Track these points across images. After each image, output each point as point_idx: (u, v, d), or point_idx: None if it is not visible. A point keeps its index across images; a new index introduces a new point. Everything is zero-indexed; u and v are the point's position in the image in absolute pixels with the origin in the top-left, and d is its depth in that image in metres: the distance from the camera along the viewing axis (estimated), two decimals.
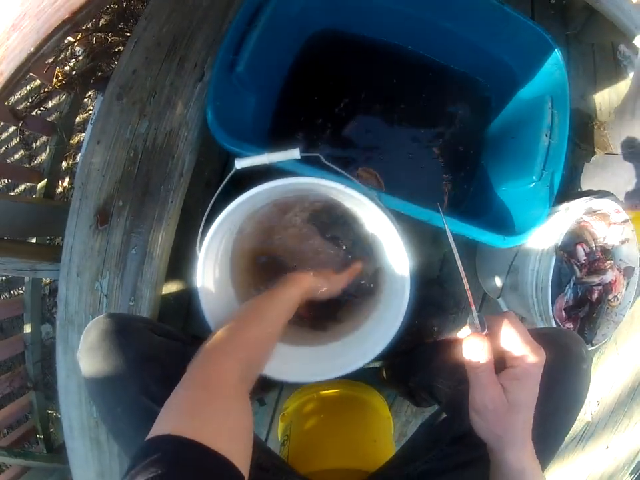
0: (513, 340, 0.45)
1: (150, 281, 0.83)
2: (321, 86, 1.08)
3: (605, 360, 1.24)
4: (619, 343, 1.23)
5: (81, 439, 0.90)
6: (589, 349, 0.96)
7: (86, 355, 0.57)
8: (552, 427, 0.57)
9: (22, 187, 1.58)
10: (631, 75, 1.37)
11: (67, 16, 0.49)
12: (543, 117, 0.89)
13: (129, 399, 0.55)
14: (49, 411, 1.42)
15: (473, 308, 0.48)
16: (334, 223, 0.81)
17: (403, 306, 0.63)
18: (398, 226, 0.63)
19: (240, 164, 0.60)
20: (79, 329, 0.87)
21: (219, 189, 0.61)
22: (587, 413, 1.21)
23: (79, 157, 1.51)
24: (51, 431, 1.40)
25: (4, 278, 1.62)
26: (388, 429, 1.00)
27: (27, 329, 1.31)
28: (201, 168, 0.86)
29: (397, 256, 0.64)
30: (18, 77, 0.52)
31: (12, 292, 1.60)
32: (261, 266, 0.82)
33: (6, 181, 1.62)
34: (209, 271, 0.66)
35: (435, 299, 1.13)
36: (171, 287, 1.11)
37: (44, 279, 1.48)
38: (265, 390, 1.12)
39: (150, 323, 0.62)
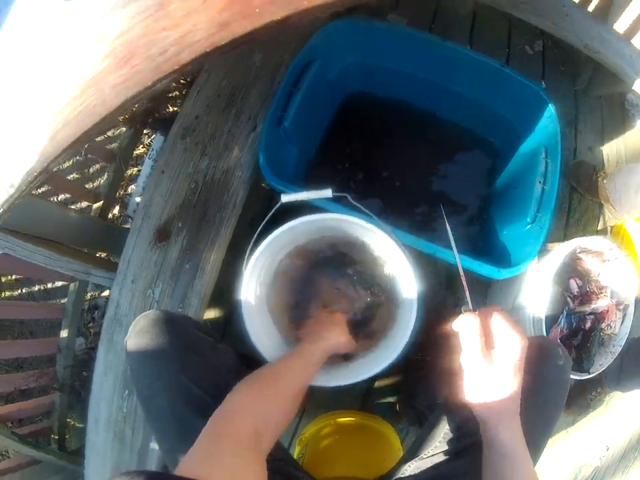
0: (502, 323, 0.53)
1: (199, 292, 1.00)
2: (352, 140, 1.32)
3: (613, 404, 1.28)
4: None
5: (104, 433, 1.00)
6: (586, 377, 1.07)
7: (135, 337, 0.64)
8: (536, 416, 0.63)
9: (77, 206, 1.74)
10: (639, 122, 1.52)
11: (175, 67, 0.59)
12: (537, 166, 1.04)
13: (170, 375, 0.62)
14: (68, 420, 1.49)
15: (467, 292, 0.58)
16: (356, 264, 0.96)
17: (406, 336, 0.77)
18: (411, 259, 0.79)
19: (285, 198, 0.80)
20: (126, 329, 0.97)
21: (266, 219, 0.80)
22: (596, 457, 1.25)
23: (131, 188, 1.71)
24: (66, 436, 1.47)
25: (43, 288, 1.76)
26: (398, 458, 1.11)
27: (64, 334, 1.38)
28: (248, 203, 1.07)
29: (408, 290, 0.80)
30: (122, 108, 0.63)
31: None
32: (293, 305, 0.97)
33: (64, 196, 1.78)
34: (252, 287, 0.82)
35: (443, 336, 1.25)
36: (209, 314, 1.26)
37: (87, 294, 1.61)
38: None
39: (193, 321, 0.72)
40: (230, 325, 1.25)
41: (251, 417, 0.57)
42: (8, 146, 0.69)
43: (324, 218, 0.79)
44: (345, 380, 0.81)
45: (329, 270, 0.97)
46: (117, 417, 0.99)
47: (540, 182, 1.03)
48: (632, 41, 1.31)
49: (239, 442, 0.52)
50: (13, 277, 1.83)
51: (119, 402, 1.00)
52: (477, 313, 0.55)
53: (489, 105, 1.20)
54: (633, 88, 1.28)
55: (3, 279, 1.85)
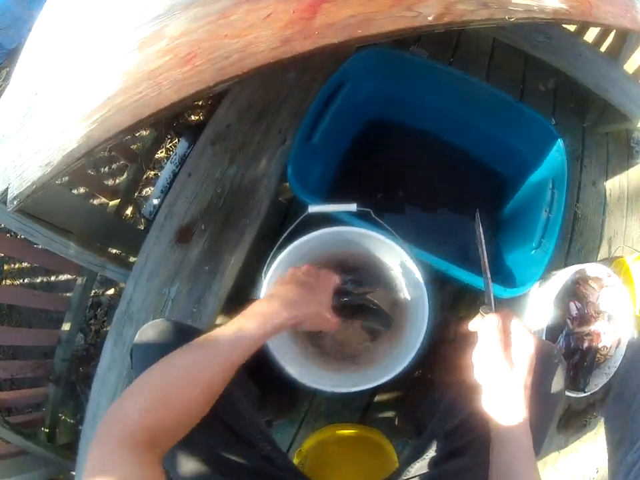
0: (519, 325, 0.61)
1: (217, 293, 1.06)
2: (371, 161, 1.42)
3: (604, 428, 1.31)
4: None
5: None
6: (582, 395, 1.14)
7: (141, 348, 0.66)
8: (537, 410, 0.65)
9: (93, 201, 1.79)
10: None
11: (239, 72, 0.65)
12: (544, 196, 1.12)
13: None
14: (60, 415, 1.50)
15: (491, 294, 0.65)
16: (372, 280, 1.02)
17: (418, 341, 0.83)
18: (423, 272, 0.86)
19: (312, 209, 0.87)
20: (136, 324, 1.04)
21: (292, 226, 0.87)
22: (586, 479, 1.28)
23: (145, 191, 1.78)
24: (56, 430, 1.47)
25: (45, 280, 1.80)
26: None
27: (66, 327, 1.40)
28: (270, 212, 1.14)
29: (419, 308, 0.86)
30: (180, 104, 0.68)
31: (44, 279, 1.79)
32: None
33: (82, 190, 1.81)
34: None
35: (448, 355, 1.25)
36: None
37: (93, 290, 1.65)
38: (278, 414, 1.18)
39: (200, 332, 0.71)
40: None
41: (145, 422, 0.52)
42: (50, 124, 0.75)
43: (346, 230, 0.87)
44: (350, 387, 0.85)
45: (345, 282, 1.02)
46: None
47: (546, 210, 1.12)
48: None
49: (132, 449, 0.50)
50: (16, 265, 1.88)
51: None
52: (497, 314, 0.62)
53: (502, 137, 1.30)
54: (638, 126, 1.38)
55: (6, 267, 1.89)
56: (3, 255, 1.74)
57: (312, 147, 1.12)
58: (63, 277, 1.77)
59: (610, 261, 1.46)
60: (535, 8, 0.78)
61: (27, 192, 0.72)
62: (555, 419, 0.74)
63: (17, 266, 1.87)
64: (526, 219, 1.20)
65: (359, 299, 0.92)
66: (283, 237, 0.88)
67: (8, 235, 1.51)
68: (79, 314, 1.44)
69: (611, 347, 1.21)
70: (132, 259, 1.33)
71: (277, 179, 1.13)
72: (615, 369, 1.17)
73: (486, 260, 0.72)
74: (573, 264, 1.26)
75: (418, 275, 0.86)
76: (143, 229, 1.62)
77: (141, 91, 0.69)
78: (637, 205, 1.58)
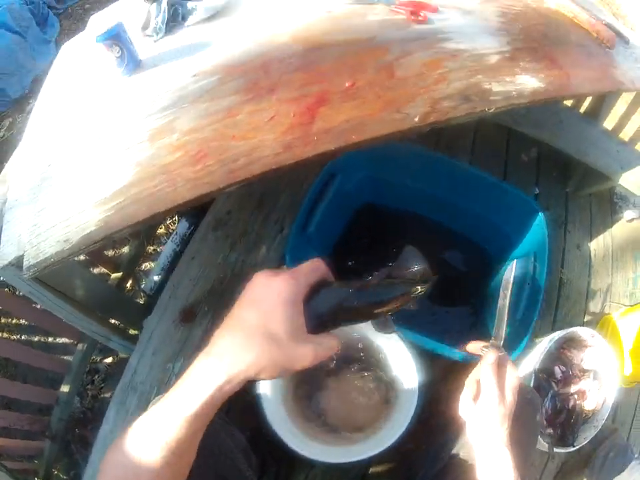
0: (507, 361, 0.70)
1: None
2: (364, 243, 1.51)
3: None
4: None
5: None
6: (571, 449, 1.19)
7: None
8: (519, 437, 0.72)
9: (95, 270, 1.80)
10: (626, 214, 1.68)
11: (247, 176, 0.72)
12: (527, 270, 1.19)
13: None
14: (54, 470, 1.49)
15: (504, 327, 0.75)
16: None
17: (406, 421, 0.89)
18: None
19: None
20: (140, 395, 1.10)
21: None
22: None
23: (144, 265, 1.82)
24: None
25: (43, 340, 1.82)
26: None
27: (64, 389, 1.45)
28: None
29: (409, 386, 0.93)
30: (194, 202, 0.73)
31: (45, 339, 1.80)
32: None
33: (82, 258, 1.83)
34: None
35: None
36: None
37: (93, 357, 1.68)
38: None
39: None
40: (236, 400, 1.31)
41: None
42: (67, 202, 0.81)
43: None
44: (339, 458, 0.89)
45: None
46: None
47: (528, 283, 1.19)
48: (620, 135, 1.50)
49: None
50: (13, 320, 1.89)
51: None
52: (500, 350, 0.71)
53: (487, 216, 1.38)
54: (619, 183, 1.45)
55: (3, 320, 1.90)
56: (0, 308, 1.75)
57: (308, 236, 1.21)
58: (60, 340, 1.79)
59: (597, 319, 1.51)
60: (514, 94, 0.87)
61: (44, 264, 0.77)
62: (534, 447, 0.84)
63: (14, 321, 1.89)
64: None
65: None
66: None
67: (7, 289, 1.55)
68: (78, 378, 1.49)
69: (597, 402, 1.25)
70: (131, 332, 1.38)
71: (276, 265, 1.23)
72: (603, 421, 1.21)
73: (507, 302, 0.80)
74: (560, 329, 1.30)
75: (408, 354, 0.92)
76: (142, 302, 1.67)
77: (156, 184, 0.76)
78: (622, 261, 1.64)
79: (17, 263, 0.83)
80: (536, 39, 1.02)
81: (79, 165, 0.86)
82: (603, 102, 1.48)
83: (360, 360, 1.05)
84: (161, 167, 0.78)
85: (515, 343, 1.12)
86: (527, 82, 0.90)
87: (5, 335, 1.86)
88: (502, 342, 0.74)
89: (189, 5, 1.05)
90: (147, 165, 0.79)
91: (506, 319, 0.76)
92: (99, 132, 0.90)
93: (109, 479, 0.47)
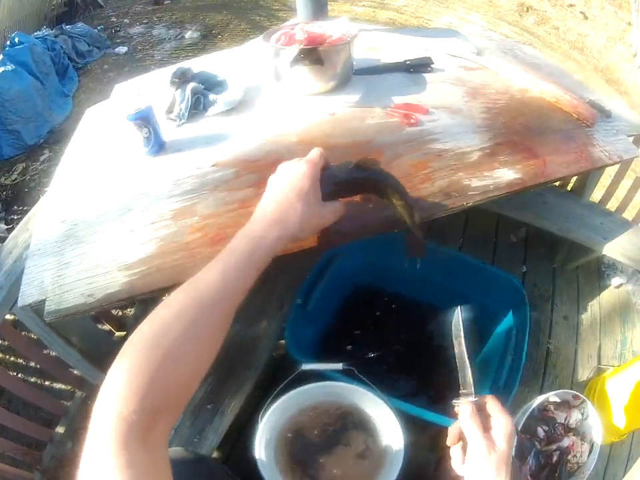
0: (496, 406, 0.63)
1: (217, 429, 1.20)
2: (359, 320, 1.63)
3: None
4: None
5: None
6: None
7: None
8: None
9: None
10: (614, 280, 1.76)
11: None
12: (509, 343, 1.30)
13: None
14: None
15: (471, 377, 0.68)
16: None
17: None
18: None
19: (305, 367, 1.05)
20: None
21: (286, 381, 1.03)
22: None
23: None
24: None
25: (40, 381, 1.89)
26: None
27: (60, 430, 1.52)
28: (267, 365, 1.32)
29: (394, 454, 0.99)
30: None
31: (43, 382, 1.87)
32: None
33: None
34: (264, 437, 1.00)
35: None
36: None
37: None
38: None
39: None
40: (234, 449, 1.41)
41: (143, 394, 0.48)
42: (92, 261, 0.91)
43: (332, 385, 1.05)
44: None
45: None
46: None
47: (511, 355, 1.28)
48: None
49: (126, 436, 0.46)
50: (11, 357, 1.98)
51: None
52: (474, 400, 0.66)
53: (473, 295, 1.47)
54: (603, 253, 1.52)
55: (5, 356, 1.99)
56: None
57: (306, 313, 1.33)
58: (56, 385, 1.85)
59: (585, 383, 1.57)
60: (491, 187, 0.99)
61: (66, 313, 0.86)
62: None
63: (12, 359, 1.98)
64: (493, 364, 1.36)
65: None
66: (279, 388, 1.03)
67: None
68: (74, 422, 1.54)
69: (582, 455, 1.29)
70: None
71: (275, 338, 1.34)
72: (589, 473, 1.25)
73: (464, 348, 0.75)
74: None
75: (395, 421, 1.00)
76: None
77: (177, 258, 0.89)
78: (610, 325, 1.71)
79: (36, 306, 0.92)
80: (517, 132, 1.13)
81: (105, 230, 0.98)
82: (587, 178, 1.60)
83: (352, 428, 1.11)
84: (183, 244, 0.91)
85: None
86: (504, 175, 1.02)
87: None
88: (473, 388, 0.69)
89: (211, 97, 1.21)
90: (170, 241, 0.92)
91: (468, 364, 0.71)
92: (125, 203, 1.02)
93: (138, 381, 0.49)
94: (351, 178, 0.79)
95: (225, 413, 1.22)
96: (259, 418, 1.00)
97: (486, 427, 0.63)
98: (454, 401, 0.69)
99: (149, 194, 1.02)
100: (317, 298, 1.34)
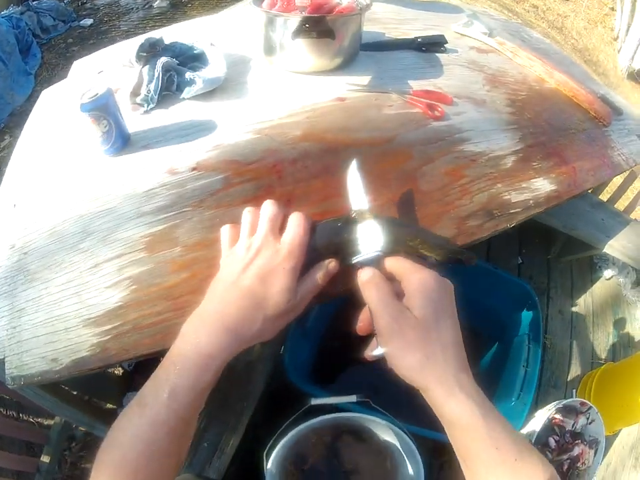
0: (399, 262, 0.52)
1: (217, 469, 1.04)
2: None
3: None
4: None
5: None
6: None
7: None
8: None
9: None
10: (606, 272, 1.74)
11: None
12: (522, 352, 1.21)
13: None
14: None
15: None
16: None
17: None
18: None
19: (314, 402, 0.88)
20: None
21: (294, 416, 0.86)
22: None
23: None
24: None
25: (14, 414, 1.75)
26: None
27: (45, 459, 1.47)
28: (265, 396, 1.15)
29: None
30: None
31: (21, 415, 1.75)
32: None
33: None
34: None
35: None
36: None
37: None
38: None
39: None
40: None
41: None
42: (50, 309, 0.69)
43: (345, 416, 0.90)
44: None
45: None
46: None
47: (524, 366, 1.20)
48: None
49: None
50: None
51: None
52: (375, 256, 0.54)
53: (479, 299, 1.37)
54: (603, 251, 1.45)
55: None
56: None
57: (305, 331, 1.22)
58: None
59: (580, 377, 1.56)
60: (531, 203, 0.85)
61: (30, 381, 0.67)
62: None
63: None
64: (506, 374, 1.28)
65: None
66: (286, 424, 0.87)
67: None
68: (58, 448, 1.51)
69: (589, 460, 1.29)
70: (109, 406, 1.33)
71: (271, 362, 1.16)
72: (595, 475, 1.27)
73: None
74: (545, 392, 1.40)
75: (414, 447, 0.88)
76: (120, 374, 1.57)
77: (159, 311, 0.67)
78: (602, 317, 1.70)
79: None
80: (544, 131, 1.00)
81: (61, 262, 0.74)
82: None
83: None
84: (164, 289, 0.69)
85: (512, 424, 1.12)
86: (541, 186, 0.88)
87: None
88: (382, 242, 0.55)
89: (187, 75, 0.96)
90: (147, 284, 0.69)
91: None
92: (83, 224, 0.78)
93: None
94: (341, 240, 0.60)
95: (224, 451, 1.06)
96: (264, 455, 0.84)
97: (399, 294, 0.51)
98: (354, 259, 0.56)
99: (112, 211, 0.77)
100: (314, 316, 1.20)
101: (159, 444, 0.50)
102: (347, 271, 0.59)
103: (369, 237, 0.56)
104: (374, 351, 0.52)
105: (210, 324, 0.53)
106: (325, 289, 0.59)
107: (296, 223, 0.58)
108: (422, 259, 0.60)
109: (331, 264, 0.58)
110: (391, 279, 0.53)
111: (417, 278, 0.50)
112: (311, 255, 0.58)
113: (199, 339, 0.52)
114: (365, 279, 0.52)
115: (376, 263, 0.54)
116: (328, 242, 0.60)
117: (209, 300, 0.56)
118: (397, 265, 0.53)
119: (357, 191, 0.62)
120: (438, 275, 0.51)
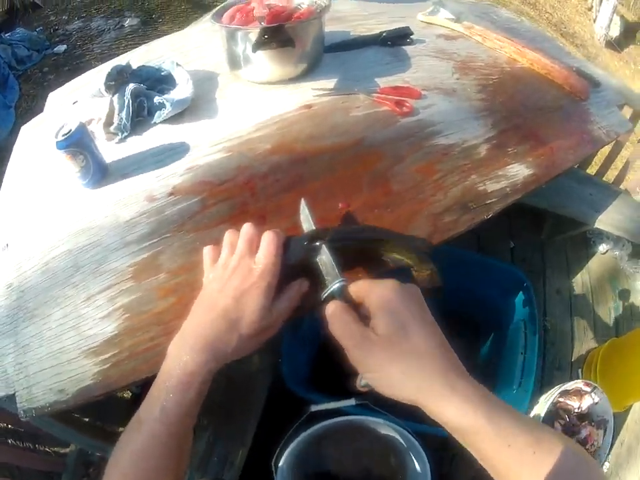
0: (358, 285, 0.52)
1: None
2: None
3: None
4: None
5: None
6: None
7: None
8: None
9: None
10: (601, 247, 1.72)
11: None
12: (519, 339, 1.22)
13: None
14: None
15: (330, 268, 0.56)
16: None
17: None
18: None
19: (315, 408, 0.90)
20: None
21: (296, 424, 0.88)
22: None
23: None
24: None
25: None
26: None
27: None
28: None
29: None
30: None
31: (37, 445, 1.75)
32: None
33: None
34: None
35: None
36: None
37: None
38: None
39: None
40: None
41: None
42: (52, 344, 0.72)
43: (348, 420, 0.91)
44: None
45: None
46: None
47: (522, 353, 1.21)
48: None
49: None
50: None
51: None
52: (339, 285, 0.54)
53: (474, 289, 1.40)
54: (595, 226, 1.46)
55: None
56: None
57: (302, 335, 1.23)
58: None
59: (584, 356, 1.54)
60: (508, 190, 0.86)
61: (41, 412, 0.69)
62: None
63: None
64: (505, 363, 1.29)
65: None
66: (289, 432, 0.90)
67: None
68: (76, 475, 1.48)
69: (598, 440, 1.28)
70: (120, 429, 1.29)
71: (270, 371, 1.18)
72: (606, 456, 1.26)
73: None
74: (549, 375, 1.39)
75: (417, 443, 0.90)
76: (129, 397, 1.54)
77: (152, 336, 0.70)
78: (601, 293, 1.68)
79: (9, 399, 0.74)
80: (518, 113, 1.01)
81: (56, 298, 0.77)
82: None
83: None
84: (154, 314, 0.71)
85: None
86: (518, 172, 0.89)
87: None
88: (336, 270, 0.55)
89: (155, 99, 0.98)
90: (137, 312, 0.72)
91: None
92: (73, 259, 0.80)
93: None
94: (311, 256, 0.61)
95: (233, 463, 1.09)
96: (272, 463, 0.85)
97: (364, 316, 0.51)
98: (322, 294, 0.57)
99: (98, 243, 0.80)
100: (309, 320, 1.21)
101: (155, 460, 0.54)
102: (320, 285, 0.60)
103: (329, 268, 0.57)
104: (360, 382, 0.53)
105: (190, 345, 0.56)
106: (300, 303, 0.62)
107: (267, 241, 0.59)
108: (388, 262, 0.63)
109: (303, 283, 0.61)
110: (359, 303, 0.53)
111: (375, 295, 0.50)
112: (287, 271, 0.60)
113: (181, 358, 0.55)
114: (328, 314, 0.51)
115: (341, 292, 0.54)
116: (300, 259, 0.61)
117: (189, 321, 0.60)
118: (357, 288, 0.53)
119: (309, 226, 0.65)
120: (399, 284, 0.50)
